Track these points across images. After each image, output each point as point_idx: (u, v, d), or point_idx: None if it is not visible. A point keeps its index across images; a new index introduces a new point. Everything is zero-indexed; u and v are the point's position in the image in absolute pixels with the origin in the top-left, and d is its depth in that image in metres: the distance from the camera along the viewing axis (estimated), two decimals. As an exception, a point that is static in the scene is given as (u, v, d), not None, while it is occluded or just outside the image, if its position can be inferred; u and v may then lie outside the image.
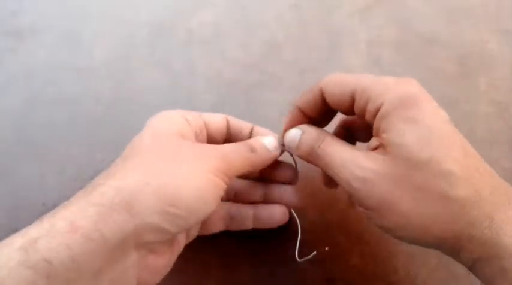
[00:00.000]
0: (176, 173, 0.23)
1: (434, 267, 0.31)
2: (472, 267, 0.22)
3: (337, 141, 0.26)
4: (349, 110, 0.26)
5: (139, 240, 0.22)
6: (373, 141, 0.25)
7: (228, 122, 0.30)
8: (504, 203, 0.22)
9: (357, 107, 0.25)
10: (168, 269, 0.26)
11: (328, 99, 0.26)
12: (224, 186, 0.25)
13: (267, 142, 0.28)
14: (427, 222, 0.22)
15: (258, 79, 0.38)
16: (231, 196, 0.31)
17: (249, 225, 0.30)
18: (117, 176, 0.23)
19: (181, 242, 0.27)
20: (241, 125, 0.31)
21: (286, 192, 0.30)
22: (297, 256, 0.29)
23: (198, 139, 0.28)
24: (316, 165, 0.27)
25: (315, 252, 0.29)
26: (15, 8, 0.41)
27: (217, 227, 0.30)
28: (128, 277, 0.22)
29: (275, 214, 0.30)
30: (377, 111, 0.24)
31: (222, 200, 0.31)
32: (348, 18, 0.40)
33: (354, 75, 0.26)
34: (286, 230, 0.32)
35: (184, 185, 0.23)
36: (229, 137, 0.30)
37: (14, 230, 0.21)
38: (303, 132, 0.27)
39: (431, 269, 0.31)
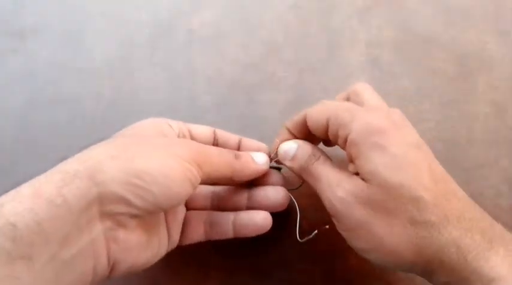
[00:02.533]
0: (146, 153, 0.24)
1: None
2: None
3: (328, 162, 0.28)
4: (326, 137, 0.28)
5: (103, 209, 0.22)
6: (350, 166, 0.26)
7: (215, 134, 0.31)
8: (471, 228, 0.23)
9: (331, 134, 0.27)
10: (149, 257, 0.25)
11: (309, 125, 0.28)
12: (196, 174, 0.25)
13: (256, 155, 0.29)
14: (400, 246, 0.23)
15: (258, 79, 0.38)
16: (215, 202, 0.31)
17: (229, 232, 0.29)
18: (85, 151, 0.24)
19: (161, 229, 0.27)
20: (228, 137, 0.31)
21: (271, 191, 0.30)
22: (298, 237, 0.29)
23: None
24: (305, 179, 0.28)
25: (316, 231, 0.29)
26: (16, 8, 0.41)
27: (197, 235, 0.30)
28: (96, 248, 0.22)
29: (256, 220, 0.29)
30: (345, 139, 0.25)
31: (202, 208, 0.31)
32: (347, 19, 0.40)
33: (333, 103, 0.28)
34: (287, 230, 0.32)
35: (152, 161, 0.23)
36: None
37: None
38: (298, 147, 0.29)
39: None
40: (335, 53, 0.39)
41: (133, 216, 0.23)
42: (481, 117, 0.36)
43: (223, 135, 0.31)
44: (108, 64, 0.39)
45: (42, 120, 0.37)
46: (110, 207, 0.22)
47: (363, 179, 0.25)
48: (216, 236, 0.30)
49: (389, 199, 0.23)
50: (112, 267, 0.23)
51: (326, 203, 0.26)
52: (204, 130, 0.30)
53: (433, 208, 0.23)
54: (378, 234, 0.24)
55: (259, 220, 0.29)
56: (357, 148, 0.25)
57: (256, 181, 0.30)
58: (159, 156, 0.24)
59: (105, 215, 0.22)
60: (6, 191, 0.35)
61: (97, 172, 0.22)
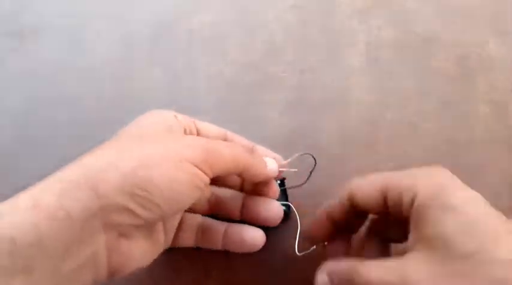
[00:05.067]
0: (152, 161, 0.22)
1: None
2: None
3: (372, 264, 0.23)
4: (381, 209, 0.25)
5: (107, 221, 0.21)
6: (411, 237, 0.23)
7: (227, 138, 0.29)
8: None
9: (391, 204, 0.24)
10: (145, 262, 0.25)
11: (360, 201, 0.25)
12: (205, 178, 0.24)
13: (267, 159, 0.28)
14: None
15: (258, 79, 0.38)
16: (212, 204, 0.30)
17: (217, 243, 0.28)
18: (88, 156, 0.23)
19: (159, 235, 0.26)
20: (241, 141, 0.30)
21: (262, 206, 0.28)
22: (296, 251, 0.28)
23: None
24: None
25: (314, 247, 0.28)
26: (16, 8, 0.41)
27: (187, 240, 0.29)
28: (98, 259, 0.22)
29: (247, 236, 0.27)
30: (412, 203, 0.23)
31: (200, 210, 0.30)
32: (347, 19, 0.40)
33: (381, 174, 0.25)
34: (286, 230, 0.32)
35: (158, 171, 0.22)
36: None
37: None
38: (330, 279, 0.25)
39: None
40: (335, 53, 0.39)
41: (137, 226, 0.23)
42: (481, 117, 0.36)
43: (236, 139, 0.30)
44: (108, 64, 0.39)
45: (42, 120, 0.37)
46: (113, 218, 0.21)
47: (429, 247, 0.21)
48: (205, 244, 0.29)
49: (466, 263, 0.21)
50: (112, 275, 0.23)
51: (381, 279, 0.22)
52: (215, 132, 0.29)
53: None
54: None
55: (247, 238, 0.27)
56: (425, 212, 0.22)
57: (255, 188, 0.29)
58: (165, 164, 0.22)
59: (109, 226, 0.22)
60: (6, 191, 0.35)
61: (99, 182, 0.21)
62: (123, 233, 0.22)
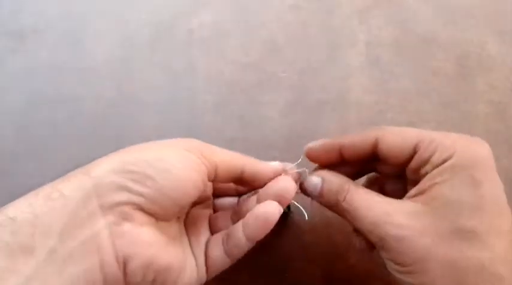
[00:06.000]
0: (142, 147, 0.24)
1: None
2: None
3: (364, 192, 0.24)
4: (404, 162, 0.25)
5: (103, 201, 0.22)
6: (416, 189, 0.24)
7: (244, 170, 0.27)
8: None
9: (419, 158, 0.24)
10: (163, 250, 0.23)
11: (386, 149, 0.25)
12: (199, 161, 0.23)
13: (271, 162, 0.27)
14: None
15: (258, 79, 0.38)
16: (234, 220, 0.28)
17: (242, 240, 0.25)
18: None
19: (180, 233, 0.26)
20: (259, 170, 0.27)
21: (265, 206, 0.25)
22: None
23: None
24: (343, 217, 0.25)
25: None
26: (16, 8, 0.41)
27: (220, 258, 0.26)
28: (100, 242, 0.21)
29: (259, 212, 0.25)
30: (442, 163, 0.23)
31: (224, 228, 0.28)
32: (347, 19, 0.40)
33: (416, 129, 0.25)
34: (287, 230, 0.32)
35: (148, 152, 0.23)
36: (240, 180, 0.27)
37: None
38: (323, 181, 0.26)
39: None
40: (335, 53, 0.39)
41: (140, 208, 0.22)
42: (481, 117, 0.36)
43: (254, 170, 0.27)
44: (108, 65, 0.39)
45: (42, 120, 0.37)
46: (109, 198, 0.22)
47: (432, 206, 0.22)
48: (234, 249, 0.26)
49: (457, 241, 0.21)
50: (124, 264, 0.22)
51: (376, 241, 0.23)
52: (229, 160, 0.26)
53: (502, 261, 0.21)
54: (436, 274, 0.22)
55: (263, 211, 0.24)
56: (452, 176, 0.22)
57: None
58: (155, 146, 0.24)
59: (107, 208, 0.22)
60: (7, 190, 0.35)
61: (91, 167, 0.22)
62: (125, 215, 0.22)
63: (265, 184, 0.26)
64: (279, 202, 0.25)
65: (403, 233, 0.22)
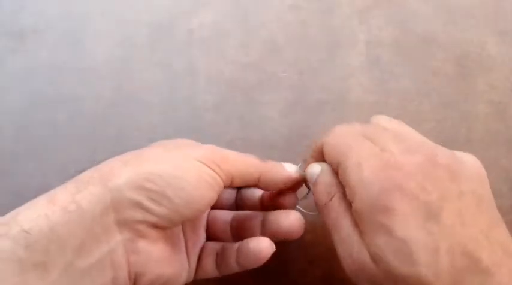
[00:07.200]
0: (157, 156, 0.23)
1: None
2: None
3: (343, 206, 0.23)
4: None
5: (120, 217, 0.21)
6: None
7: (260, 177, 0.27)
8: None
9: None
10: (168, 266, 0.24)
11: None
12: (213, 174, 0.23)
13: (285, 164, 0.27)
14: None
15: (258, 79, 0.38)
16: (233, 229, 0.29)
17: (234, 265, 0.26)
18: (104, 162, 0.24)
19: (180, 241, 0.26)
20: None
21: (286, 216, 0.26)
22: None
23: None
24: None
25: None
26: (16, 8, 0.41)
27: (210, 267, 0.27)
28: (115, 259, 0.21)
29: (260, 247, 0.25)
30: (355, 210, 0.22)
31: (221, 237, 0.28)
32: (347, 19, 0.40)
33: (349, 137, 0.25)
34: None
35: (163, 164, 0.23)
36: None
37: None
38: (321, 172, 0.26)
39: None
40: (335, 53, 0.39)
41: (153, 225, 0.22)
42: (481, 117, 0.36)
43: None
44: (108, 65, 0.39)
45: (42, 120, 0.37)
46: (126, 214, 0.21)
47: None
48: (225, 269, 0.27)
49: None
50: (135, 281, 0.22)
51: (340, 258, 0.24)
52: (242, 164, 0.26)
53: None
54: None
55: (264, 247, 0.25)
56: (361, 222, 0.22)
57: (274, 203, 0.28)
58: (170, 158, 0.23)
59: (123, 224, 0.22)
60: (7, 190, 0.35)
61: (109, 177, 0.22)
62: (140, 233, 0.22)
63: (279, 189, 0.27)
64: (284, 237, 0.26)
65: (355, 270, 0.23)
